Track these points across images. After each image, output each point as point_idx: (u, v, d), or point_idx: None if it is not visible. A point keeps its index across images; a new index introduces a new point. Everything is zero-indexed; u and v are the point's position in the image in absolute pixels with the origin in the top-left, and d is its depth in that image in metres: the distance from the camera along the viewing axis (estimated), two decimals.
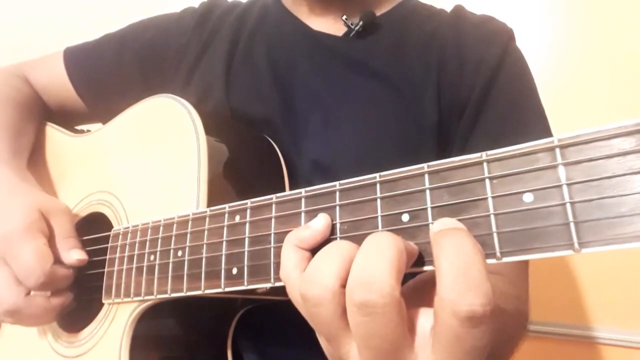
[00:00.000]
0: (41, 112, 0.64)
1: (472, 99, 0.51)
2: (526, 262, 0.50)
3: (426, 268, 0.25)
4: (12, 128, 0.56)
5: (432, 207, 0.25)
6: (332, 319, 0.24)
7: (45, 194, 0.50)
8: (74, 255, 0.46)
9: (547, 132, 0.51)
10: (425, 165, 0.26)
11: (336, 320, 0.24)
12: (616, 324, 0.82)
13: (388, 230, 0.26)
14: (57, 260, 0.45)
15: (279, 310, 0.44)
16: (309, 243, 0.28)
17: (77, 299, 0.50)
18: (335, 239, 0.28)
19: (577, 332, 0.84)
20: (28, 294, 0.45)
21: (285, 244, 0.29)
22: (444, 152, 0.51)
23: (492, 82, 0.51)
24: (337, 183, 0.29)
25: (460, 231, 0.23)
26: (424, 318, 0.24)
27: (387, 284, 0.22)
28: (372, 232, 0.26)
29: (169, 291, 0.38)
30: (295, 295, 0.27)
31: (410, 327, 0.24)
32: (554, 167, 0.22)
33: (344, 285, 0.24)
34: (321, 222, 0.29)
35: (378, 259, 0.23)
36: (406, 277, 0.25)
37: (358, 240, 0.27)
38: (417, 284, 0.27)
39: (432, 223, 0.25)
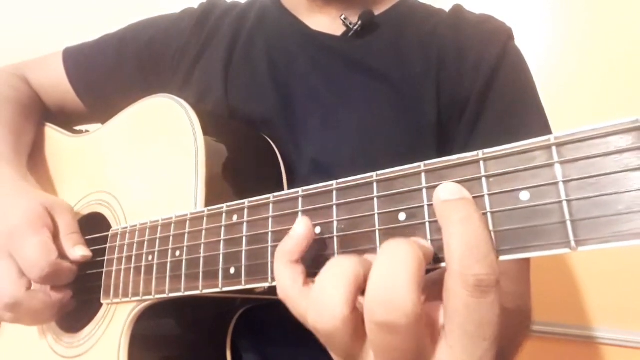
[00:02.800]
0: (40, 112, 0.64)
1: (472, 99, 0.51)
2: (527, 261, 0.50)
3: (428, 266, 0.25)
4: (12, 127, 0.56)
5: (428, 206, 0.25)
6: (347, 344, 0.24)
7: (44, 193, 0.51)
8: (78, 251, 0.46)
9: (547, 131, 0.51)
10: (422, 164, 0.26)
11: (351, 343, 0.24)
12: (616, 324, 0.82)
13: (385, 229, 0.26)
14: (61, 256, 0.45)
15: (278, 310, 0.44)
16: (297, 253, 0.28)
17: (76, 299, 0.50)
18: (332, 238, 0.28)
19: (577, 332, 0.84)
20: (29, 289, 0.45)
21: (276, 261, 0.28)
22: (443, 151, 0.51)
23: (492, 81, 0.51)
24: (334, 182, 0.29)
25: (465, 202, 0.23)
26: (437, 314, 0.24)
27: (410, 302, 0.21)
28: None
29: (167, 291, 0.38)
30: (299, 312, 0.27)
31: (428, 324, 0.24)
32: (551, 165, 0.22)
33: (354, 308, 0.23)
34: (301, 227, 0.28)
35: (398, 273, 0.22)
36: None
37: (355, 238, 0.27)
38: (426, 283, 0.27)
39: (429, 221, 0.24)
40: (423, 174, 0.26)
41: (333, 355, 0.27)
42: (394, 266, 0.22)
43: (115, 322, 0.44)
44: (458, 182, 0.24)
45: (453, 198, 0.23)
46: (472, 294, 0.21)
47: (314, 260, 0.29)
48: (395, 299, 0.21)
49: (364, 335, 0.24)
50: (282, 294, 0.28)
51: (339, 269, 0.24)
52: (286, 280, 0.27)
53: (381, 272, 0.22)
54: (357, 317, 0.24)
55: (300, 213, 0.30)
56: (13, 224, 0.44)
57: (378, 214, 0.27)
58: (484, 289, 0.21)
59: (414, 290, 0.21)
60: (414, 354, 0.23)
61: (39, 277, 0.43)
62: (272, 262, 0.31)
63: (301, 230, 0.28)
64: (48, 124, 0.63)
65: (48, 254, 0.43)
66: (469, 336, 0.22)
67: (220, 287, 0.34)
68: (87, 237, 0.51)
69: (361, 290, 0.24)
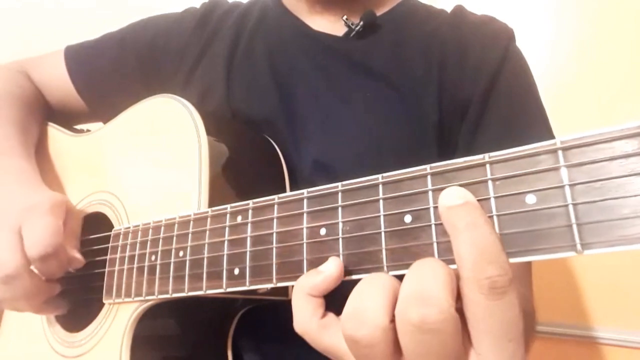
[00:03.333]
0: (44, 110, 0.64)
1: (474, 100, 0.51)
2: (529, 263, 0.50)
3: None
4: (19, 124, 0.57)
5: (434, 208, 0.25)
6: (386, 357, 0.24)
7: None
8: (75, 254, 0.47)
9: (549, 133, 0.51)
10: (428, 166, 0.26)
11: (389, 357, 0.24)
12: (617, 324, 0.82)
13: (391, 231, 0.26)
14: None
15: (280, 311, 0.44)
16: (321, 290, 0.27)
17: (78, 298, 0.50)
18: (337, 239, 0.28)
19: (578, 332, 0.84)
20: (29, 265, 0.45)
21: (296, 293, 0.28)
22: (444, 152, 0.51)
23: (494, 83, 0.51)
24: (339, 184, 0.29)
25: (471, 207, 0.23)
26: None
27: (444, 299, 0.22)
28: (377, 232, 0.25)
29: (170, 291, 0.38)
30: (321, 344, 0.27)
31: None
32: (557, 169, 0.22)
33: (393, 321, 0.23)
34: (334, 266, 0.28)
35: (431, 276, 0.23)
36: None
37: (360, 240, 0.27)
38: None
39: (434, 223, 0.25)
40: (429, 177, 0.26)
41: (348, 356, 0.26)
42: (426, 270, 0.23)
43: (117, 322, 0.44)
44: (464, 184, 0.24)
45: (456, 204, 0.23)
46: (489, 297, 0.21)
47: (319, 263, 0.29)
48: (430, 296, 0.22)
49: (400, 350, 0.24)
50: (300, 328, 0.27)
51: (379, 282, 0.25)
52: (306, 314, 0.27)
53: (414, 276, 0.23)
54: (395, 335, 0.23)
55: (305, 214, 0.30)
56: (36, 201, 0.45)
57: (384, 215, 0.27)
58: (500, 290, 0.21)
59: (447, 291, 0.22)
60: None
61: (38, 255, 0.43)
62: (277, 264, 0.31)
63: (334, 269, 0.27)
64: (50, 124, 0.63)
65: (55, 236, 0.43)
66: (496, 340, 0.22)
67: (224, 288, 0.34)
68: (89, 237, 0.51)
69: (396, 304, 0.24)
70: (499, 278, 0.21)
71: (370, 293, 0.24)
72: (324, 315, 0.27)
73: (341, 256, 0.28)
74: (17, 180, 0.49)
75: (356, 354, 0.25)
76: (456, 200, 0.23)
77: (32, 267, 0.45)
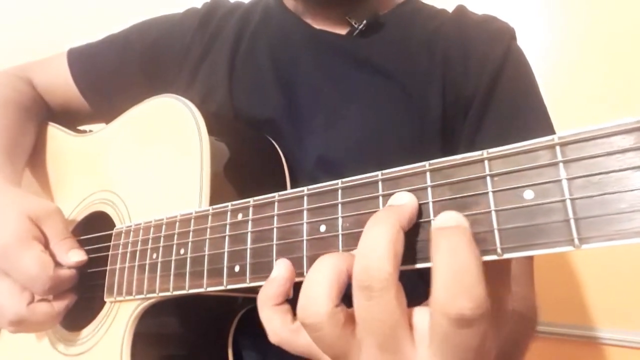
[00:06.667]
0: (42, 114, 0.64)
1: (477, 98, 0.51)
2: (530, 263, 0.50)
3: (427, 265, 0.25)
4: (9, 129, 0.56)
5: (433, 203, 0.25)
6: (336, 338, 0.25)
7: (33, 198, 0.49)
8: (72, 257, 0.46)
9: (550, 130, 0.51)
10: (426, 163, 0.26)
11: (339, 339, 0.25)
12: (618, 324, 0.82)
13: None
14: (57, 264, 0.45)
15: None
16: (280, 295, 0.28)
17: (79, 297, 0.50)
18: (337, 236, 0.28)
19: (578, 332, 0.84)
20: (31, 302, 0.45)
21: (261, 308, 0.28)
22: (447, 149, 0.51)
23: (496, 81, 0.52)
24: (339, 181, 0.29)
25: (458, 231, 0.22)
26: (424, 316, 0.24)
27: (384, 271, 0.23)
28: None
29: (171, 289, 0.38)
30: (298, 348, 0.28)
31: (411, 323, 0.25)
32: (555, 164, 0.22)
33: (337, 304, 0.24)
34: (283, 268, 0.28)
35: (375, 245, 0.23)
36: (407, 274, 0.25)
37: (360, 237, 0.28)
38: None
39: (433, 219, 0.25)
40: (428, 173, 0.26)
41: (324, 356, 0.27)
42: (372, 238, 0.24)
43: (118, 320, 0.44)
44: (463, 180, 0.25)
45: (446, 226, 0.23)
46: (452, 324, 0.21)
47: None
48: (372, 267, 0.23)
49: (352, 333, 0.25)
50: (275, 338, 0.28)
51: (322, 266, 0.25)
52: (276, 324, 0.28)
53: (363, 244, 0.24)
54: (341, 315, 0.24)
55: (305, 211, 0.30)
56: (2, 244, 0.43)
57: None
58: (466, 322, 0.21)
59: (390, 261, 0.23)
60: (393, 330, 0.23)
61: (42, 291, 0.43)
62: (277, 261, 0.31)
63: (282, 272, 0.28)
64: (51, 124, 0.64)
65: (46, 268, 0.43)
66: (449, 356, 0.22)
67: (224, 285, 0.34)
68: (90, 236, 0.51)
69: (345, 284, 0.25)
70: (469, 311, 0.21)
71: (315, 279, 0.25)
72: (293, 320, 0.28)
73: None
74: None
75: (311, 336, 0.26)
76: (447, 223, 0.23)
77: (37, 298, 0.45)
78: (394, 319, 0.23)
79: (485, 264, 0.22)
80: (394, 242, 0.23)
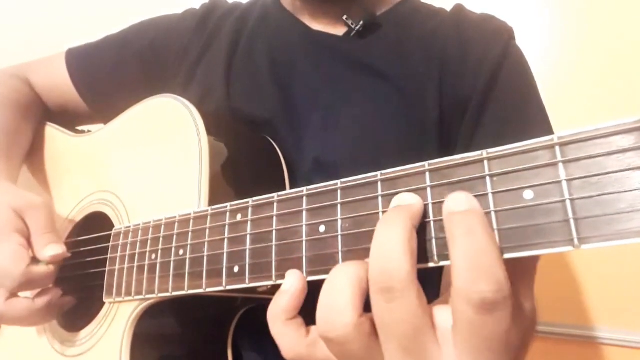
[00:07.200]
0: (40, 113, 0.64)
1: (475, 98, 0.51)
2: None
3: (430, 265, 0.25)
4: (6, 128, 0.56)
5: (432, 204, 0.25)
6: (361, 350, 0.24)
7: (22, 192, 0.48)
8: (48, 251, 0.44)
9: (549, 130, 0.51)
10: (426, 163, 0.26)
11: (364, 350, 0.24)
12: (616, 324, 0.82)
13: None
14: (35, 259, 0.44)
15: None
16: (294, 309, 0.27)
17: (78, 297, 0.50)
18: (337, 236, 0.28)
19: (578, 332, 0.84)
20: (9, 298, 0.44)
21: (273, 323, 0.27)
22: (445, 149, 0.51)
23: (494, 80, 0.51)
24: (338, 181, 0.29)
25: (471, 215, 0.22)
26: (445, 314, 0.24)
27: (403, 270, 0.22)
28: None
29: (170, 290, 0.38)
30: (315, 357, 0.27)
31: (433, 323, 0.24)
32: (554, 164, 0.22)
33: (361, 314, 0.23)
34: (296, 280, 0.27)
35: (391, 245, 0.23)
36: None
37: (359, 237, 0.28)
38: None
39: (433, 219, 0.25)
40: (427, 173, 0.26)
41: None
42: (386, 240, 0.23)
43: (117, 320, 0.44)
44: (462, 181, 0.25)
45: (459, 210, 0.23)
46: (477, 311, 0.21)
47: (318, 260, 0.29)
48: (391, 268, 0.22)
49: (376, 341, 0.24)
50: (290, 354, 0.27)
51: (341, 274, 0.25)
52: (291, 339, 0.27)
53: (376, 247, 0.23)
54: (367, 326, 0.24)
55: (304, 212, 0.30)
56: None
57: (382, 212, 0.27)
58: (489, 306, 0.21)
59: (407, 260, 0.22)
60: (417, 331, 0.23)
61: (12, 288, 0.42)
62: (276, 261, 0.31)
63: (294, 283, 0.27)
64: (50, 124, 0.64)
65: (19, 262, 0.42)
66: (475, 350, 0.22)
67: (224, 286, 0.34)
68: (89, 237, 0.51)
69: (366, 292, 0.24)
70: (491, 294, 0.20)
71: (334, 290, 0.24)
72: (307, 333, 0.27)
73: (340, 253, 0.28)
74: None
75: (334, 351, 0.25)
76: (459, 207, 0.23)
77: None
78: (417, 319, 0.23)
79: (510, 263, 0.22)
80: (409, 241, 0.23)
